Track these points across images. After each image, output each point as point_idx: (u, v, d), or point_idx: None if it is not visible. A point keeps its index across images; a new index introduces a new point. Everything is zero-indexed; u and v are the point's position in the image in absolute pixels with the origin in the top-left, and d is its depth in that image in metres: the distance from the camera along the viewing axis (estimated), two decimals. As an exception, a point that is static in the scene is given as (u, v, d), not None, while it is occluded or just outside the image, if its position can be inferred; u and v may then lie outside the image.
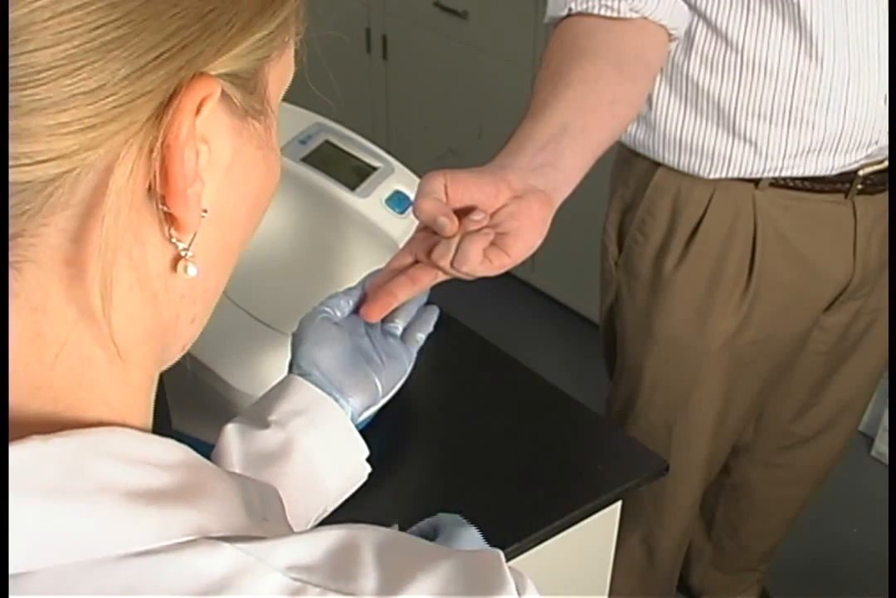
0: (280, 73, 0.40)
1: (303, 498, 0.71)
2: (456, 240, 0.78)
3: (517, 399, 1.17)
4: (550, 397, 1.17)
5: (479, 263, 0.78)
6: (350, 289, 0.82)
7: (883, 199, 1.25)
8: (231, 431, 0.73)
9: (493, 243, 0.79)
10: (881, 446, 2.21)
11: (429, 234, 0.81)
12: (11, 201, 0.32)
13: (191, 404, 0.96)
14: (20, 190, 0.32)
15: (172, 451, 0.37)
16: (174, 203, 0.35)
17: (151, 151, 0.34)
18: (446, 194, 0.80)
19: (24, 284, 0.34)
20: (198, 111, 0.34)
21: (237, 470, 0.70)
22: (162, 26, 0.32)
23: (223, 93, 0.36)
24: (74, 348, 0.36)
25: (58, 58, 0.30)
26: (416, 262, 0.82)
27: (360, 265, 1.03)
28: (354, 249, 1.06)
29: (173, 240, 0.37)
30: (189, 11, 0.33)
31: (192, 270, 0.38)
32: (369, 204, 1.09)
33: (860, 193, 1.24)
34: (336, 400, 0.75)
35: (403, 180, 1.12)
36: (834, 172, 1.20)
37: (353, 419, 0.76)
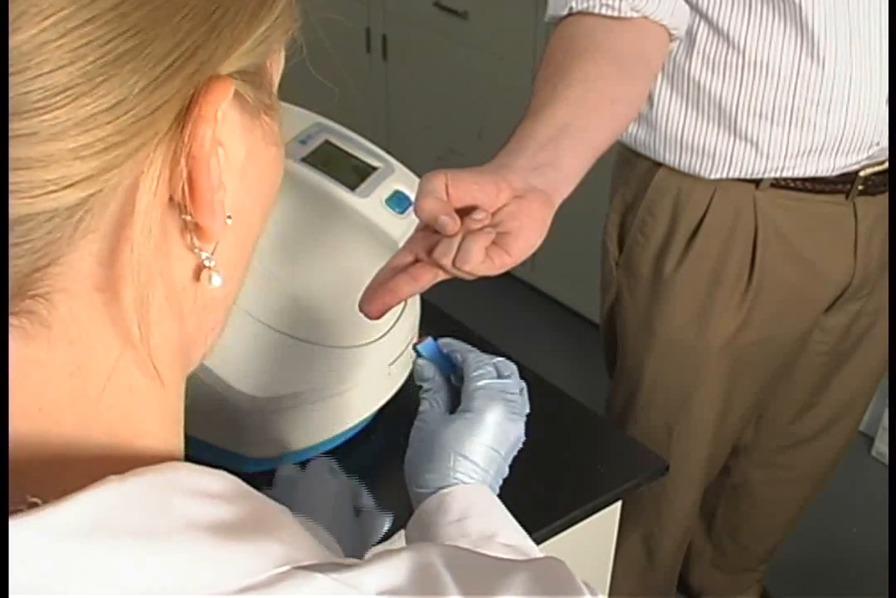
0: (278, 64, 0.39)
1: None
2: (457, 239, 0.77)
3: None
4: (550, 397, 1.17)
5: (480, 262, 0.77)
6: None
7: (884, 200, 1.25)
8: None
9: (493, 243, 0.78)
10: (881, 446, 2.21)
11: (429, 233, 0.81)
12: (40, 232, 0.30)
13: (191, 404, 0.96)
14: (48, 218, 0.30)
15: (227, 482, 0.36)
16: (200, 213, 0.34)
17: (175, 163, 0.33)
18: (447, 193, 0.80)
19: (57, 315, 0.32)
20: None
21: None
22: (172, 31, 0.31)
23: (235, 92, 0.34)
24: (118, 377, 0.35)
25: (74, 76, 0.29)
26: (417, 261, 0.81)
27: (360, 265, 1.03)
28: (354, 249, 1.06)
29: (196, 249, 0.36)
30: (196, 11, 0.32)
31: (216, 280, 0.37)
32: (369, 204, 1.09)
33: (861, 193, 1.24)
34: None
35: (403, 180, 1.12)
36: (835, 173, 1.20)
37: None
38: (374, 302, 0.80)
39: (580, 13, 1.03)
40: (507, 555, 0.67)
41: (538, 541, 0.99)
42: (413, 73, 2.69)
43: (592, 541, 1.12)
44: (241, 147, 0.36)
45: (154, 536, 0.32)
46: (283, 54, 0.39)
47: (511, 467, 0.78)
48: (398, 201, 1.10)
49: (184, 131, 0.33)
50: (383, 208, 1.10)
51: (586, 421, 1.16)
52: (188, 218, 0.34)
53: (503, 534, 0.69)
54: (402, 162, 1.13)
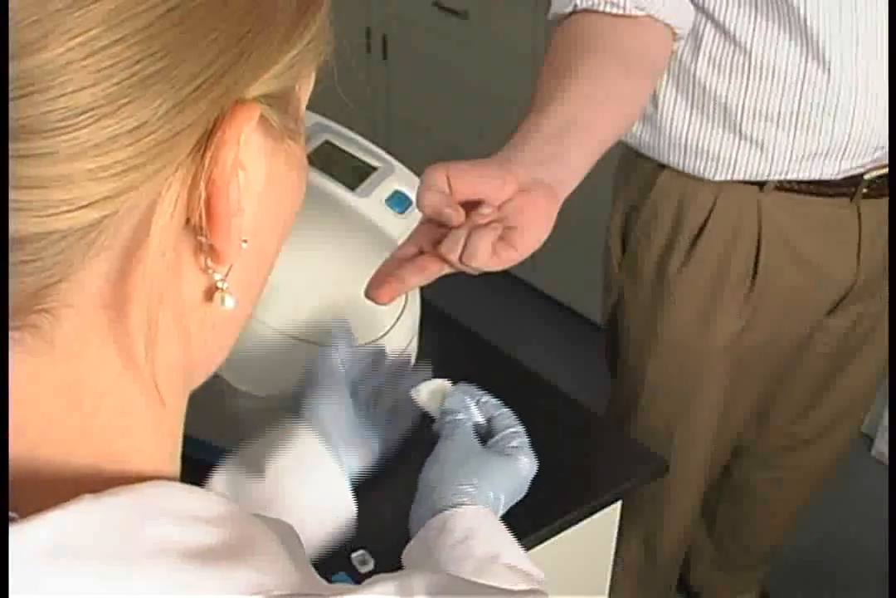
0: (307, 88, 0.38)
1: None
2: (463, 234, 0.76)
3: (517, 399, 1.17)
4: (550, 397, 1.17)
5: (488, 257, 0.77)
6: (360, 346, 0.81)
7: (887, 203, 1.25)
8: (219, 483, 0.71)
9: (499, 238, 0.78)
10: (881, 446, 2.21)
11: (433, 225, 0.80)
12: (51, 250, 0.30)
13: (191, 404, 0.96)
14: (61, 237, 0.30)
15: (214, 503, 0.36)
16: (216, 236, 0.34)
17: (194, 186, 0.33)
18: (450, 186, 0.79)
19: (60, 330, 0.32)
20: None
21: None
22: (201, 54, 0.31)
23: (260, 115, 0.34)
24: (115, 395, 0.34)
25: (98, 97, 0.29)
26: (422, 253, 0.80)
27: (360, 265, 1.02)
28: (354, 249, 1.06)
29: (209, 271, 0.35)
30: (226, 34, 0.31)
31: (229, 302, 0.36)
32: (369, 204, 1.09)
33: (865, 197, 1.23)
34: (335, 458, 0.74)
35: (403, 180, 1.12)
36: (839, 176, 1.20)
37: (349, 479, 0.75)
38: (382, 287, 0.79)
39: (584, 11, 1.03)
40: (510, 576, 0.69)
41: (538, 541, 0.99)
42: (413, 73, 2.69)
43: (592, 541, 1.12)
44: (262, 171, 0.35)
45: (121, 560, 0.32)
46: (312, 78, 0.38)
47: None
48: (398, 201, 1.10)
49: (205, 155, 0.32)
50: (383, 208, 1.10)
51: (586, 421, 1.16)
52: (203, 240, 0.34)
53: (506, 555, 0.71)
54: (402, 162, 1.13)
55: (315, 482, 0.73)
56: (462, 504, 0.72)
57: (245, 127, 0.33)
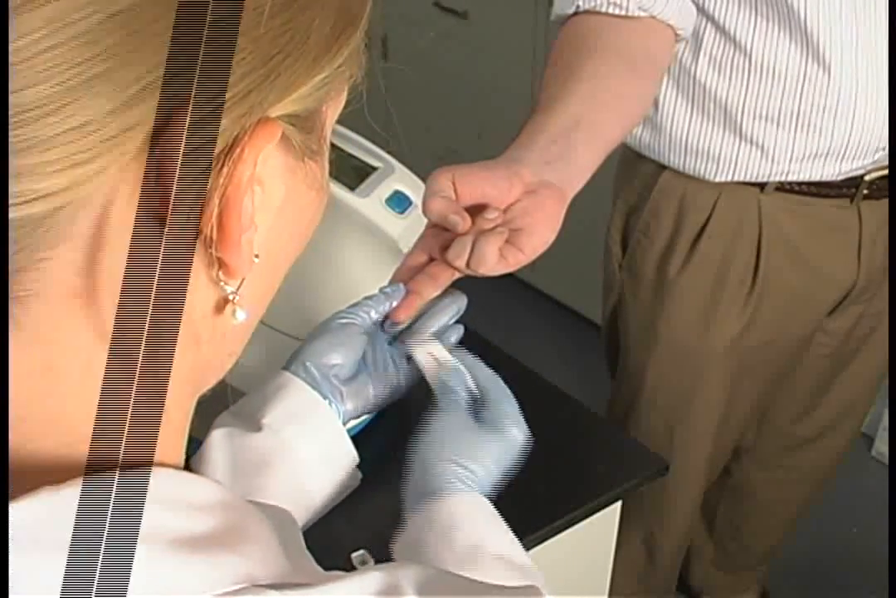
0: (335, 109, 0.39)
1: (289, 508, 0.68)
2: (470, 239, 0.76)
3: (517, 399, 1.17)
4: (551, 397, 1.17)
5: (496, 262, 0.77)
6: (371, 296, 0.79)
7: (888, 204, 1.25)
8: (219, 437, 0.71)
9: (507, 241, 0.77)
10: (881, 446, 2.21)
11: (439, 230, 0.79)
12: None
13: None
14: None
15: (209, 490, 0.36)
16: (227, 250, 0.34)
17: (208, 201, 0.33)
18: (455, 191, 0.79)
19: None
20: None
21: (221, 478, 0.68)
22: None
23: (282, 135, 0.34)
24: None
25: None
26: (432, 259, 0.80)
27: (360, 265, 1.03)
28: (354, 249, 1.06)
29: (220, 283, 0.36)
30: (255, 55, 0.32)
31: (240, 315, 0.37)
32: (369, 204, 1.09)
33: (865, 198, 1.23)
34: (329, 403, 0.74)
35: (403, 180, 1.12)
36: (840, 178, 1.20)
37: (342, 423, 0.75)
38: (398, 305, 0.79)
39: (587, 12, 1.03)
40: (497, 567, 0.66)
41: (538, 541, 0.99)
42: (413, 73, 2.69)
43: (592, 541, 1.12)
44: (280, 189, 0.36)
45: None
46: (343, 99, 0.39)
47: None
48: (398, 201, 1.10)
49: (221, 171, 0.33)
50: (383, 208, 1.10)
51: (586, 421, 1.16)
52: (216, 254, 0.34)
53: (493, 545, 0.68)
54: (402, 162, 1.13)
55: (313, 431, 0.72)
56: (451, 489, 0.70)
57: (265, 146, 0.33)
